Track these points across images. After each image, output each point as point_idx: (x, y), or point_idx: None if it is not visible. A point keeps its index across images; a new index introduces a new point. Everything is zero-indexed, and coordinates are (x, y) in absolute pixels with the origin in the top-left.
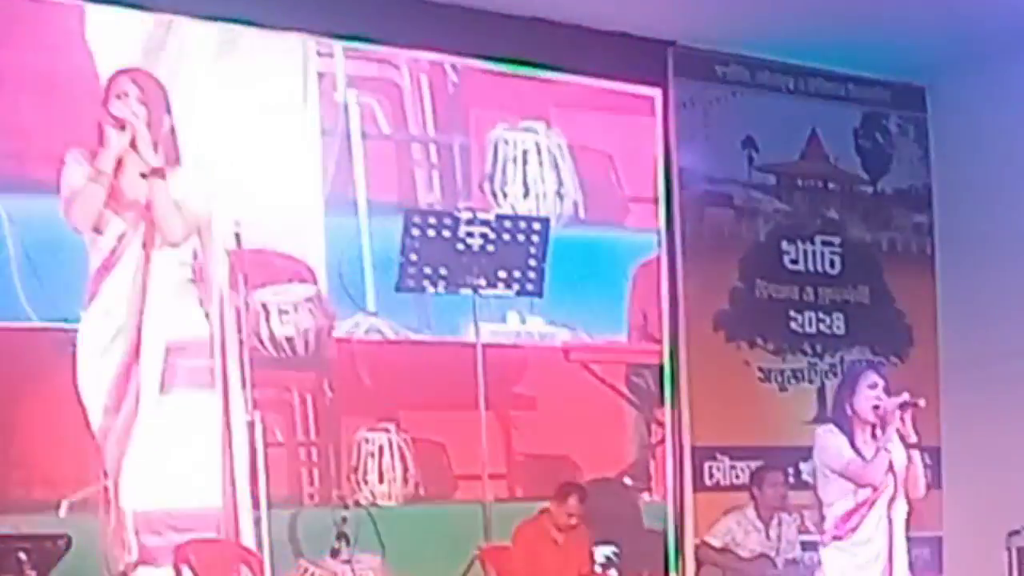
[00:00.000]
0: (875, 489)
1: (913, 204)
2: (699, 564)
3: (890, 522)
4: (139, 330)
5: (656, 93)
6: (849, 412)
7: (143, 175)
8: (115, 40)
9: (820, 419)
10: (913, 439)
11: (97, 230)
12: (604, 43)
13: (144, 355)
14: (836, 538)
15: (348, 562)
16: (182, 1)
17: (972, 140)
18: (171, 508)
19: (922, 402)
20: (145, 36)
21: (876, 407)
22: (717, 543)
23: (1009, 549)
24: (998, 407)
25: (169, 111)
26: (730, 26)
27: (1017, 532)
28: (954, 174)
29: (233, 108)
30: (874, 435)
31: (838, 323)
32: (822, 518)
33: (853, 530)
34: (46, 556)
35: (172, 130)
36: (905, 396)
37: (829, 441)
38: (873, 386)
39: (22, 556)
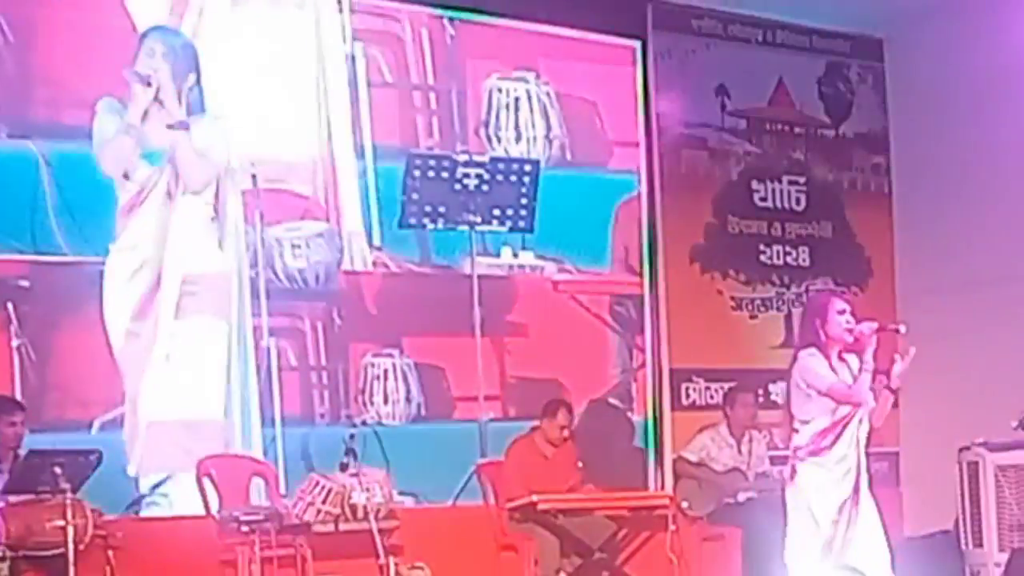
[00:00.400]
0: (857, 407)
1: (872, 146)
2: (676, 477)
3: (857, 440)
4: (160, 263)
5: (636, 45)
6: (823, 338)
7: (169, 126)
8: None
9: (787, 344)
10: (896, 383)
11: (126, 176)
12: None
13: (164, 286)
14: (813, 454)
15: (356, 475)
16: None
17: (926, 87)
18: (189, 424)
19: (903, 328)
20: None
21: (850, 331)
22: (693, 458)
23: (960, 463)
24: (950, 333)
25: (194, 66)
26: None
27: (967, 448)
28: (909, 118)
29: (249, 60)
30: (841, 358)
31: (803, 256)
32: (792, 435)
33: (829, 447)
34: (79, 470)
35: (196, 83)
36: (892, 325)
37: (812, 363)
38: (842, 312)
39: (57, 470)
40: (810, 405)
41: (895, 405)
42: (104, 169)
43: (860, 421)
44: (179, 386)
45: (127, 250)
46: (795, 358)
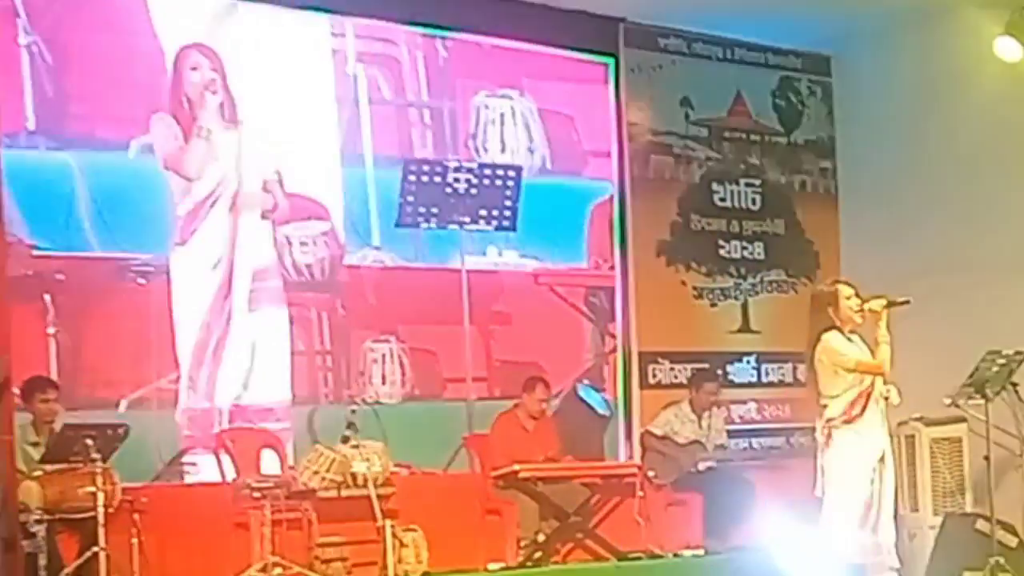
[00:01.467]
0: (879, 376)
1: (820, 152)
2: (644, 449)
3: (880, 408)
4: (232, 260)
5: (609, 61)
6: (837, 321)
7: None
8: (177, 20)
9: (743, 329)
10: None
11: (199, 177)
12: (566, 20)
13: (236, 281)
14: (847, 422)
15: (356, 447)
16: None
17: (868, 100)
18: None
19: (910, 300)
20: (207, 16)
21: (859, 311)
22: (659, 431)
23: (898, 436)
24: (890, 319)
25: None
26: (670, 5)
27: (905, 423)
28: (853, 128)
29: (269, 78)
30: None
31: (758, 250)
32: (821, 410)
33: (860, 414)
34: (108, 442)
35: (230, 96)
36: (900, 299)
37: (837, 344)
38: (849, 297)
39: (89, 442)
40: (837, 380)
41: None
42: (184, 172)
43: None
44: (253, 370)
45: (200, 246)
46: (817, 341)
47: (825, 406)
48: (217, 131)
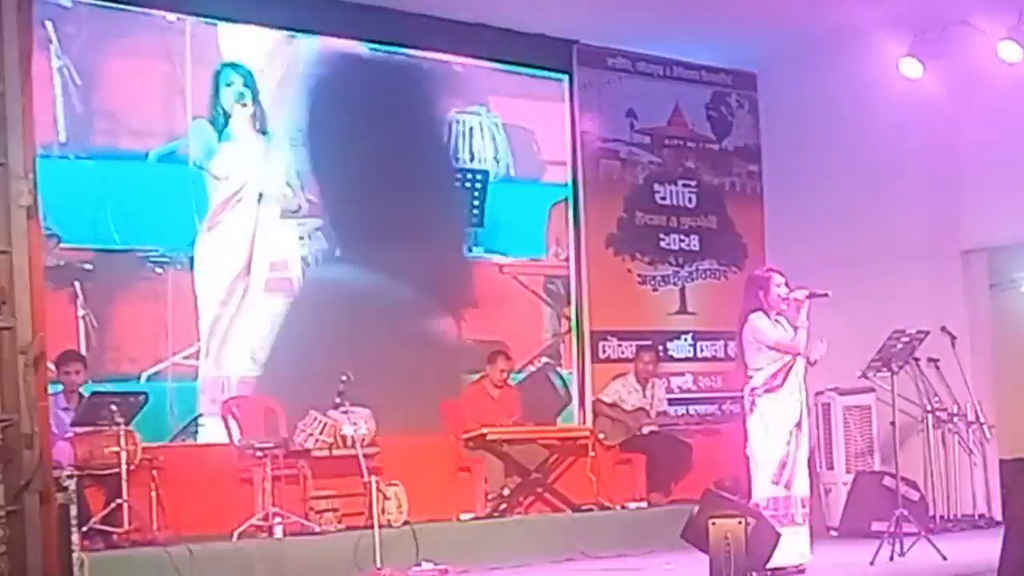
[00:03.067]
0: (796, 355)
1: (748, 157)
2: (595, 415)
3: (799, 380)
4: (251, 250)
5: (564, 78)
6: (765, 304)
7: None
8: (203, 47)
9: (681, 311)
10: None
11: (226, 176)
12: (527, 42)
13: (254, 267)
14: (769, 391)
15: (346, 412)
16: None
17: (789, 112)
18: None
19: (829, 293)
20: (241, 40)
21: (785, 298)
22: (608, 400)
23: (816, 404)
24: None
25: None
26: (617, 29)
27: (821, 392)
28: (777, 135)
29: (290, 94)
30: (776, 319)
31: (694, 242)
32: (747, 380)
33: (781, 385)
34: (129, 408)
35: (261, 108)
36: (820, 291)
37: (760, 324)
38: (779, 284)
39: (113, 408)
40: (760, 356)
41: None
42: (213, 171)
43: (800, 364)
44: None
45: (222, 237)
46: (745, 320)
47: (751, 377)
48: (246, 138)
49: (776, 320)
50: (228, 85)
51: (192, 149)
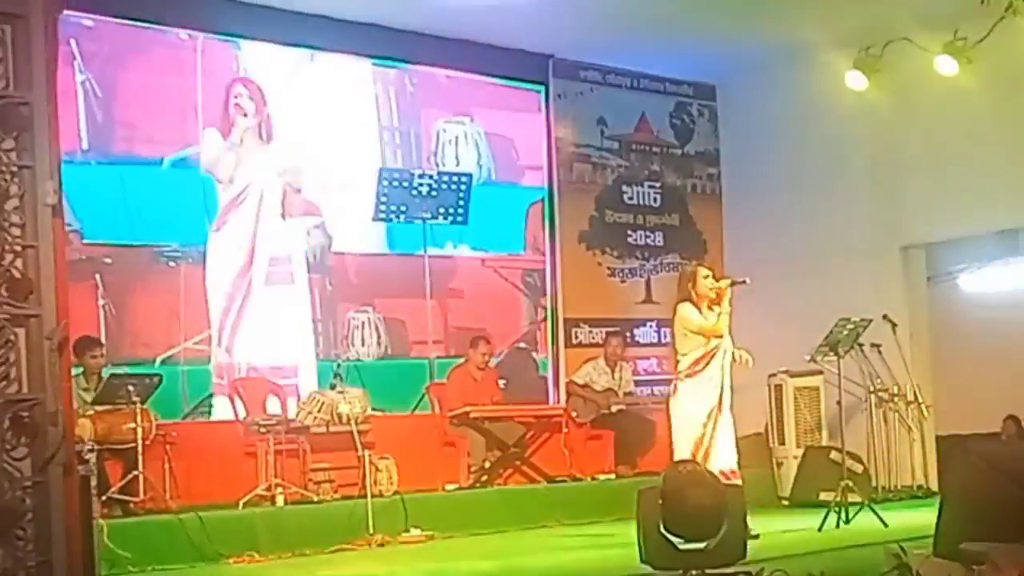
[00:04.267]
0: (719, 340)
1: (708, 161)
2: (568, 395)
3: (722, 366)
4: (253, 246)
5: (540, 89)
6: (694, 295)
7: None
8: (213, 62)
9: (647, 301)
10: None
11: (230, 180)
12: (506, 56)
13: (256, 262)
14: (690, 376)
15: (342, 392)
16: (259, 30)
17: (746, 120)
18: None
19: (748, 280)
20: (248, 56)
21: (713, 289)
22: (580, 381)
23: (769, 385)
24: (763, 293)
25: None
26: (589, 44)
27: (774, 374)
28: (734, 141)
29: (294, 107)
30: (710, 308)
31: (658, 238)
32: (676, 363)
33: (702, 370)
34: (145, 388)
35: (267, 119)
36: (740, 279)
37: (687, 312)
38: (706, 276)
39: (130, 388)
40: (687, 341)
41: None
42: (217, 175)
43: (724, 352)
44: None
45: (230, 235)
46: (675, 311)
47: (678, 361)
48: (251, 146)
49: (710, 309)
50: (235, 97)
51: (203, 155)
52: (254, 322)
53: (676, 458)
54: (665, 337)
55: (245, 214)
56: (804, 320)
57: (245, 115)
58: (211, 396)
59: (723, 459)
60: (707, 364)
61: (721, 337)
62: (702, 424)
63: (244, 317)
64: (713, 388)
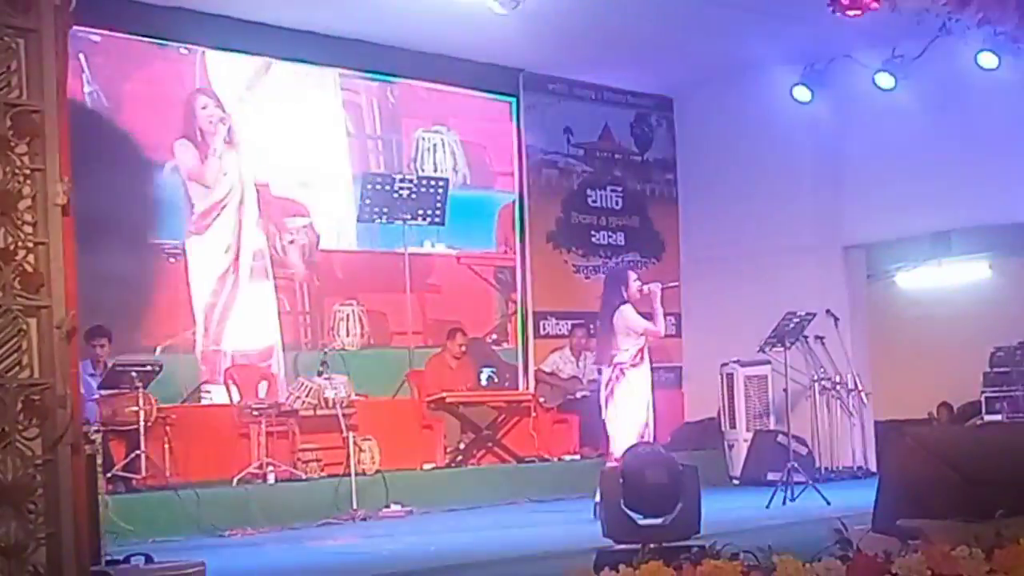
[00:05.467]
0: (659, 336)
1: (665, 168)
2: (537, 382)
3: (650, 356)
4: (238, 245)
5: (512, 101)
6: (626, 297)
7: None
8: (191, 71)
9: None
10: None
11: (212, 186)
12: (481, 70)
13: (241, 260)
14: (634, 365)
15: (328, 379)
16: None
17: (700, 130)
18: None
19: (678, 284)
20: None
21: (641, 290)
22: (547, 369)
23: (721, 374)
24: (716, 288)
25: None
26: (556, 60)
27: (726, 364)
28: (690, 149)
29: (270, 119)
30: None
31: (620, 238)
32: (615, 355)
33: (642, 361)
34: (147, 375)
35: (230, 128)
36: (666, 284)
37: (629, 315)
38: (636, 280)
39: (133, 375)
40: (627, 339)
41: (679, 335)
42: (203, 181)
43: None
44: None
45: (215, 236)
46: (615, 311)
47: (615, 354)
48: (223, 153)
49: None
50: (204, 108)
51: (181, 162)
52: (242, 313)
53: (619, 440)
54: None
55: (228, 217)
56: (754, 314)
57: (223, 122)
58: (206, 383)
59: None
60: (643, 357)
61: (660, 337)
62: (647, 406)
63: (232, 310)
64: (648, 376)
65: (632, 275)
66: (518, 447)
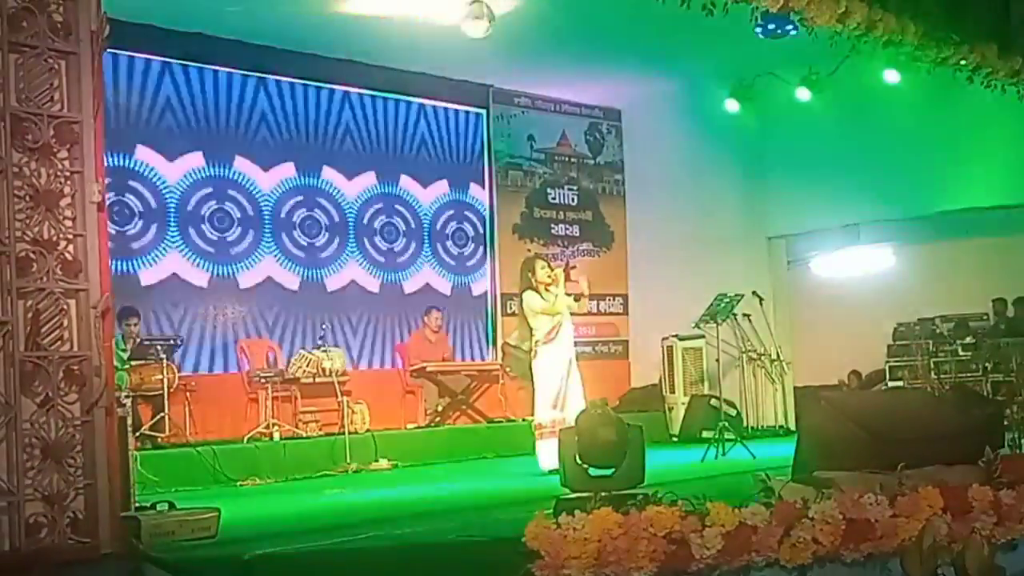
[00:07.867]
0: (558, 314)
1: (615, 169)
2: (504, 354)
3: (568, 334)
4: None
5: (483, 112)
6: (534, 283)
7: None
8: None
9: (567, 280)
10: (584, 288)
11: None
12: (455, 86)
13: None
14: (546, 342)
15: (326, 351)
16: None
17: (645, 137)
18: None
19: (578, 265)
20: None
21: (548, 275)
22: (513, 343)
23: (662, 347)
24: (659, 275)
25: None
26: (520, 77)
27: (666, 338)
28: (636, 154)
29: None
30: (547, 290)
31: (575, 230)
32: (532, 333)
33: (554, 338)
34: (170, 348)
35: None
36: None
37: (530, 299)
38: (543, 267)
39: (158, 347)
40: (536, 319)
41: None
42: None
43: (568, 323)
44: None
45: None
46: (521, 297)
47: (533, 331)
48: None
49: (548, 291)
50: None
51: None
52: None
53: (540, 407)
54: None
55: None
56: (690, 295)
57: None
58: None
59: (575, 406)
60: (557, 333)
61: (559, 314)
62: (560, 378)
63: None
64: (565, 350)
65: (540, 263)
66: (488, 409)
